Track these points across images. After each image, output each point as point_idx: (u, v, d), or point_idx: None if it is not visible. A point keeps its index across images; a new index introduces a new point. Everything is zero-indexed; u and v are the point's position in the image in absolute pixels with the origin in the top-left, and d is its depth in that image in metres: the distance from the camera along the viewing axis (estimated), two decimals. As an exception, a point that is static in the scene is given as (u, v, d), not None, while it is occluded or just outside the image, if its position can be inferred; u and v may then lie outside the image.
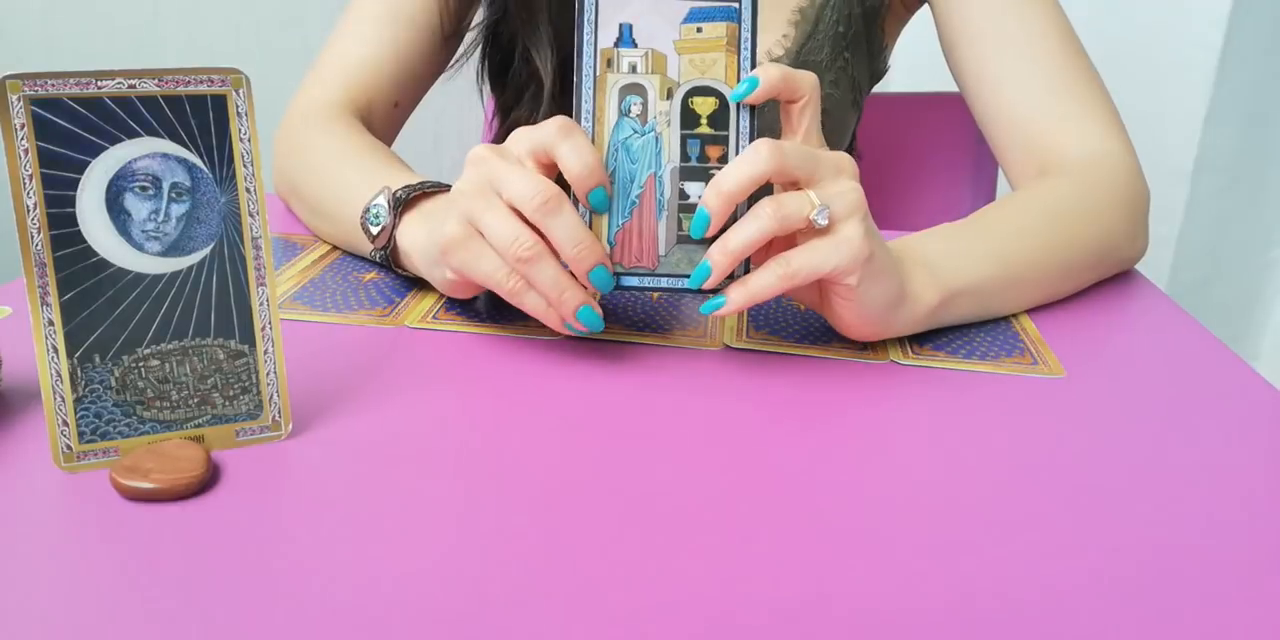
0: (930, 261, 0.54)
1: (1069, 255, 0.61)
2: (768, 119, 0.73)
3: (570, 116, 0.49)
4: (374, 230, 0.57)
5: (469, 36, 0.80)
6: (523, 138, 0.49)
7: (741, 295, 0.48)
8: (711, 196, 0.47)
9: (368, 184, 0.60)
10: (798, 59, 0.79)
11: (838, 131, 0.84)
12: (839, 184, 0.48)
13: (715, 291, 0.48)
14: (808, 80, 0.50)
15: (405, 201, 0.56)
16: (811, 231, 0.47)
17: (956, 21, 0.73)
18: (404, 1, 0.76)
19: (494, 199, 0.47)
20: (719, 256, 0.47)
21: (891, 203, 1.07)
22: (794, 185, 0.48)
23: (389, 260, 0.58)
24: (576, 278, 0.48)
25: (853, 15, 0.80)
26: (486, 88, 0.85)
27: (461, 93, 0.85)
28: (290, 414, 0.43)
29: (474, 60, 0.82)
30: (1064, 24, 0.71)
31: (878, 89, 0.90)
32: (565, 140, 0.47)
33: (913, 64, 1.01)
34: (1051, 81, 0.69)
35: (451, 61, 0.81)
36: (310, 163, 0.68)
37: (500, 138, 0.82)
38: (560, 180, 0.48)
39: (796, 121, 0.51)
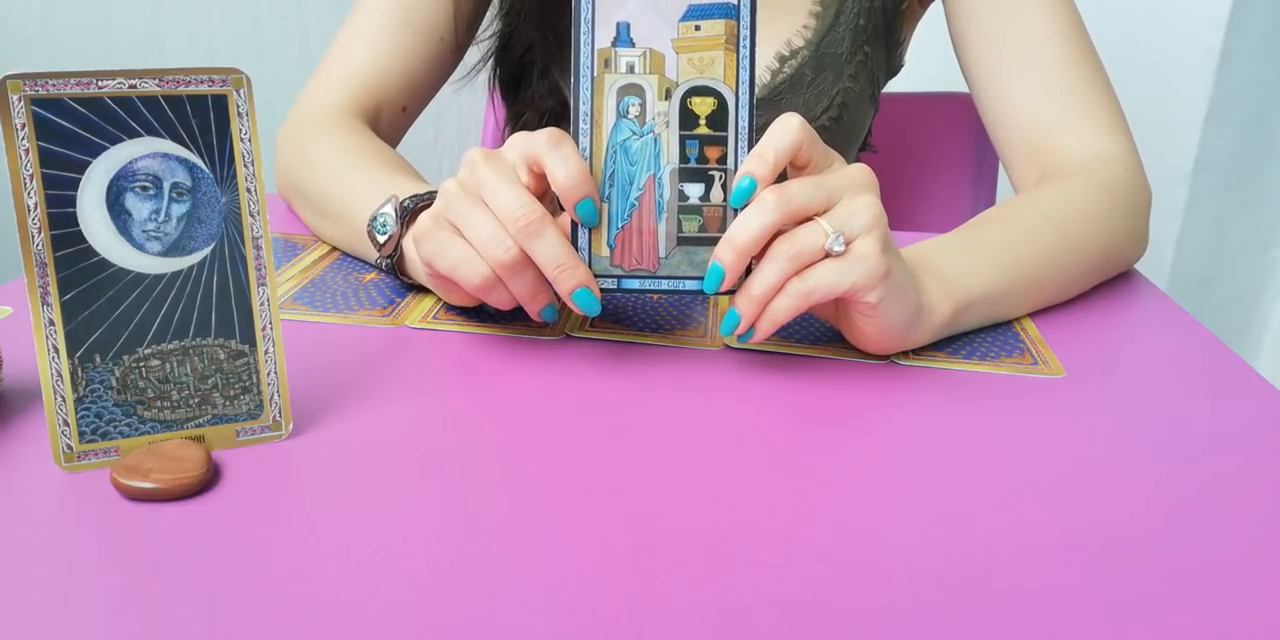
0: (943, 272, 0.53)
1: (1075, 260, 0.61)
2: (766, 118, 0.73)
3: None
4: (381, 239, 0.57)
5: (484, 46, 0.80)
6: (516, 145, 0.49)
7: (765, 323, 0.48)
8: (726, 252, 0.47)
9: (375, 190, 0.60)
10: (818, 50, 0.79)
11: (855, 126, 0.84)
12: (855, 201, 0.47)
13: (730, 291, 0.48)
14: (792, 134, 0.47)
15: (412, 211, 0.56)
16: (831, 256, 0.47)
17: (967, 19, 0.73)
18: (413, 6, 0.76)
19: (479, 202, 0.48)
20: (728, 256, 0.47)
21: (892, 202, 1.07)
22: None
23: (394, 268, 0.58)
24: (560, 298, 0.48)
25: (873, 8, 0.80)
26: (497, 94, 0.85)
27: (462, 90, 0.85)
28: (290, 414, 0.43)
29: (485, 67, 0.82)
30: (1074, 23, 0.71)
31: (879, 89, 0.90)
32: (553, 151, 0.47)
33: (912, 63, 1.01)
34: (1056, 82, 0.69)
35: (466, 74, 0.81)
36: (317, 165, 0.68)
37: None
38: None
39: (803, 160, 0.49)
